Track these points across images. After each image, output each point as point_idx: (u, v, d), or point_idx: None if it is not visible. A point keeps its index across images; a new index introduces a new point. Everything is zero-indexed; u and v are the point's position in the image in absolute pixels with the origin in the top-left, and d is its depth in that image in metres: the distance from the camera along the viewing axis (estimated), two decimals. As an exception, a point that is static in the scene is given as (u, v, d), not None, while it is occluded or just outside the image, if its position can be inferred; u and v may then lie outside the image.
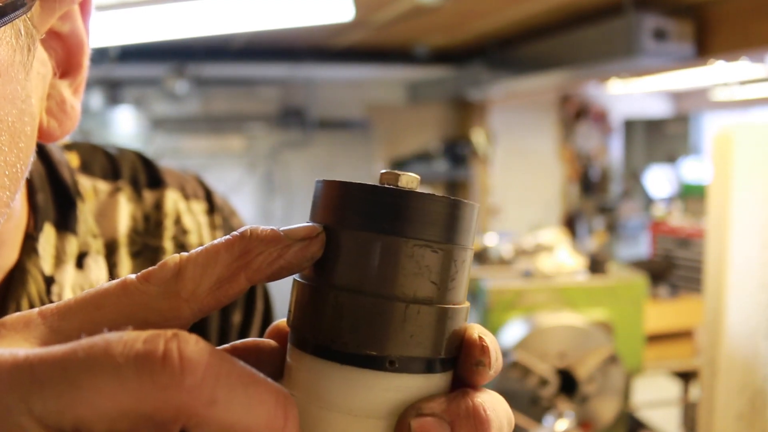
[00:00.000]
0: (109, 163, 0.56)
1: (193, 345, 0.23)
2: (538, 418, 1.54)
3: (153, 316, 0.26)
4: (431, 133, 6.27)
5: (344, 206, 0.28)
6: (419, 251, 0.27)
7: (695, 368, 2.52)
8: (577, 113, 7.29)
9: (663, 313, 2.53)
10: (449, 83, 5.30)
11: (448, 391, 0.29)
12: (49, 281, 0.48)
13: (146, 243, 0.54)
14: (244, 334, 0.57)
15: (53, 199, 0.50)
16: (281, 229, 0.28)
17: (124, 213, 0.54)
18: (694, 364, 2.53)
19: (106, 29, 2.39)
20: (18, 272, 0.46)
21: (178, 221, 0.56)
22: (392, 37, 4.26)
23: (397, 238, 0.27)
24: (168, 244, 0.55)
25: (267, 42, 4.10)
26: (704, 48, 3.33)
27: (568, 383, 1.61)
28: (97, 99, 3.76)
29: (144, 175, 0.57)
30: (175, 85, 4.03)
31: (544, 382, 1.57)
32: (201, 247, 0.28)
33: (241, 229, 0.28)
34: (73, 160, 0.54)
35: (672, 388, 2.84)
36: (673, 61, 3.40)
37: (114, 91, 3.87)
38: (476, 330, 0.29)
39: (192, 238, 0.56)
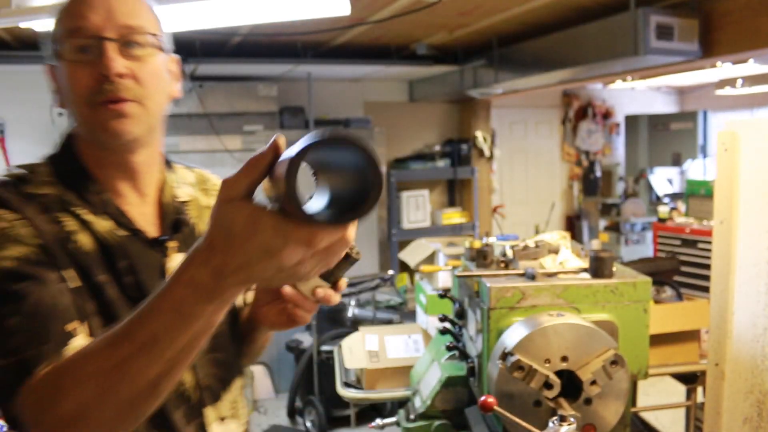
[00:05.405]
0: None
1: None
2: (541, 420, 1.51)
3: None
4: (432, 131, 6.24)
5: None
6: None
7: (701, 370, 2.48)
8: (580, 111, 7.25)
9: (668, 314, 2.50)
10: (450, 81, 5.27)
11: None
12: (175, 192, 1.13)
13: (202, 188, 1.22)
14: None
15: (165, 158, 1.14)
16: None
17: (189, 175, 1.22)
18: (700, 367, 2.50)
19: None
20: (165, 183, 1.11)
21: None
22: (393, 34, 4.23)
23: None
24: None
25: (266, 39, 4.07)
26: (710, 46, 3.29)
27: (571, 385, 1.58)
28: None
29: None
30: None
31: (546, 384, 1.53)
32: None
33: None
34: None
35: (677, 391, 2.80)
36: (678, 59, 3.36)
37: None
38: None
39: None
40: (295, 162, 0.61)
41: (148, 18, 1.00)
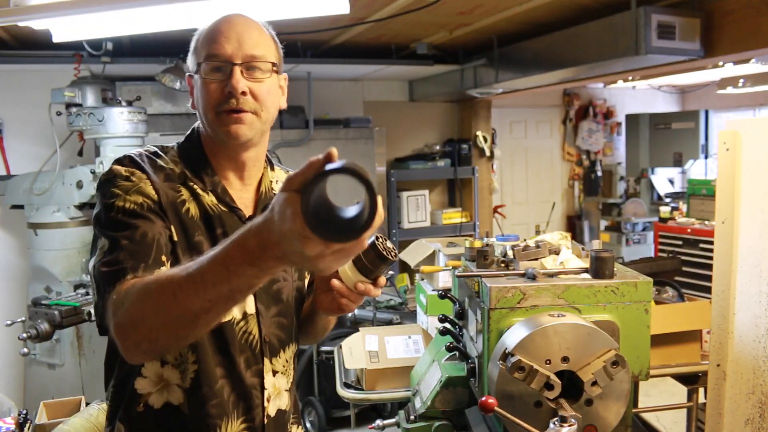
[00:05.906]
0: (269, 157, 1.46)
1: None
2: (542, 421, 1.50)
3: None
4: (432, 131, 6.23)
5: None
6: None
7: (703, 371, 2.47)
8: (581, 111, 7.24)
9: (669, 314, 2.48)
10: (450, 81, 5.26)
11: None
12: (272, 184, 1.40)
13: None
14: None
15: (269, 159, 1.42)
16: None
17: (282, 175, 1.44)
18: (701, 367, 2.48)
19: (99, 22, 2.35)
20: (264, 176, 1.38)
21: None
22: (393, 33, 4.22)
23: None
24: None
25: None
26: (711, 45, 3.28)
27: (572, 386, 1.57)
28: (91, 96, 3.71)
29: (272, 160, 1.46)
30: (171, 83, 3.98)
31: (547, 385, 1.52)
32: None
33: None
34: None
35: (679, 392, 2.79)
36: (680, 58, 3.34)
37: (108, 88, 3.82)
38: None
39: None
40: (312, 183, 0.76)
41: (268, 48, 1.30)
